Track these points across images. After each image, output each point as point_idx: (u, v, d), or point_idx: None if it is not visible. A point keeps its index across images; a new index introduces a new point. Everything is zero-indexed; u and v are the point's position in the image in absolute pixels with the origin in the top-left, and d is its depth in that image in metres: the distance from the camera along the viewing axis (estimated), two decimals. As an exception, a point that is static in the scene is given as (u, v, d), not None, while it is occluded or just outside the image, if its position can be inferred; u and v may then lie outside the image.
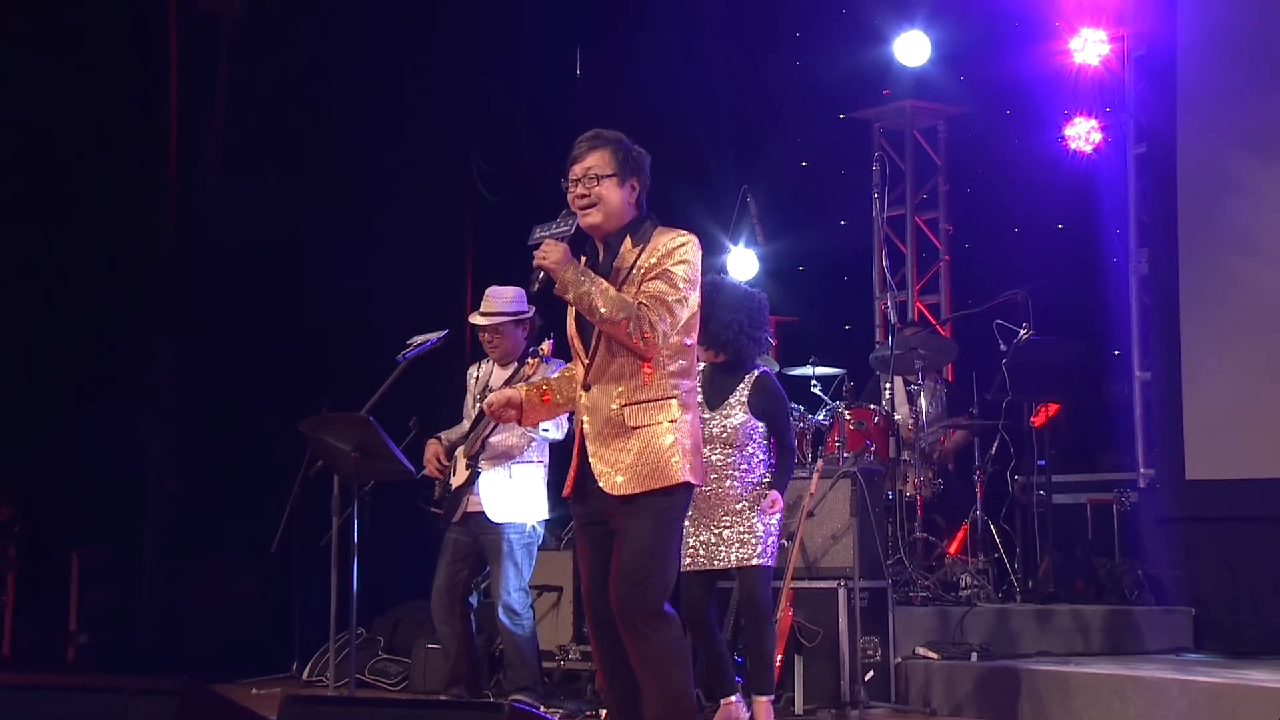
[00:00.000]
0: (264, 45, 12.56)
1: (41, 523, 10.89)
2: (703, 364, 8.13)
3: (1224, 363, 10.85)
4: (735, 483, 7.98)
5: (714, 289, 8.03)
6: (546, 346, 8.56)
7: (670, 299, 5.78)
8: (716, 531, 7.97)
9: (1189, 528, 10.89)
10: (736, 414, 8.02)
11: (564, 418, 8.59)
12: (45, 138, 11.30)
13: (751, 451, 8.04)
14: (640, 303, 5.73)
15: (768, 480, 8.04)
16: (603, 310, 5.69)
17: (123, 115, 12.00)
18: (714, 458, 7.95)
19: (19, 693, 5.15)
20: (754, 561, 7.91)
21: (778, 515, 8.07)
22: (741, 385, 8.07)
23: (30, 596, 11.55)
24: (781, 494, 8.04)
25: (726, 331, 8.00)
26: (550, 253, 5.73)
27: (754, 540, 7.93)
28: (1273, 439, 10.41)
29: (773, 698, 8.07)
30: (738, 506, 7.96)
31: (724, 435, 8.00)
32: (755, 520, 7.95)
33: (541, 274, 5.79)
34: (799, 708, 8.86)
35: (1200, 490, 10.79)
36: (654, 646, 5.76)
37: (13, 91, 11.22)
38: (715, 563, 7.98)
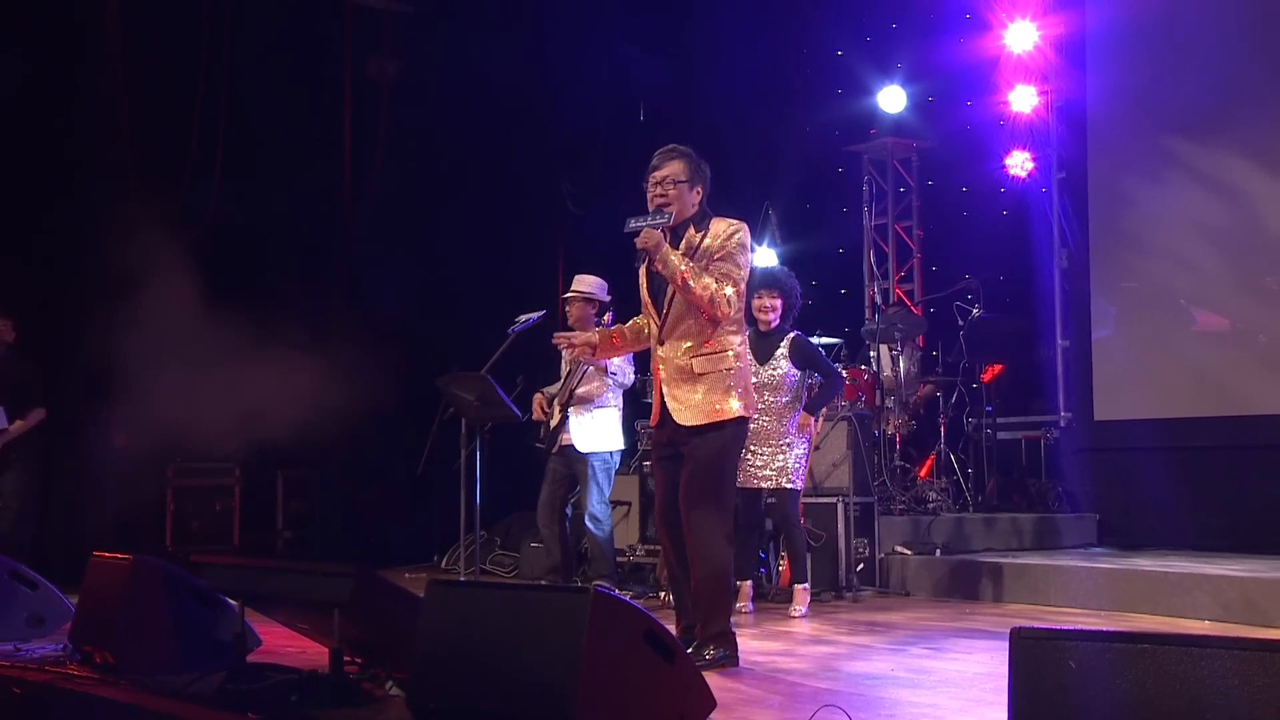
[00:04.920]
0: (412, 101, 12.76)
1: (257, 452, 11.02)
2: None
3: (1123, 334, 10.87)
4: (779, 421, 8.03)
5: (774, 276, 8.21)
6: (607, 318, 8.62)
7: (736, 276, 5.79)
8: (764, 459, 8.03)
9: (1096, 456, 10.94)
10: (782, 365, 8.04)
11: (630, 372, 8.78)
12: (277, 159, 11.53)
13: (795, 396, 8.09)
14: (716, 278, 5.73)
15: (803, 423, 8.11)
16: (692, 285, 5.68)
17: (317, 149, 12.27)
18: (763, 401, 7.99)
19: (245, 570, 5.34)
20: (787, 485, 8.02)
21: (809, 435, 8.14)
22: (783, 344, 8.08)
23: (250, 504, 11.68)
24: (815, 416, 8.10)
25: (794, 307, 8.18)
26: (650, 238, 5.70)
27: (788, 467, 8.02)
28: (1158, 390, 10.49)
29: (806, 585, 8.18)
30: (782, 441, 8.03)
31: (772, 383, 8.03)
32: (791, 452, 8.02)
33: (644, 254, 5.80)
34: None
35: (1105, 428, 10.84)
36: (715, 562, 5.79)
37: (263, 131, 11.53)
38: (758, 483, 8.06)
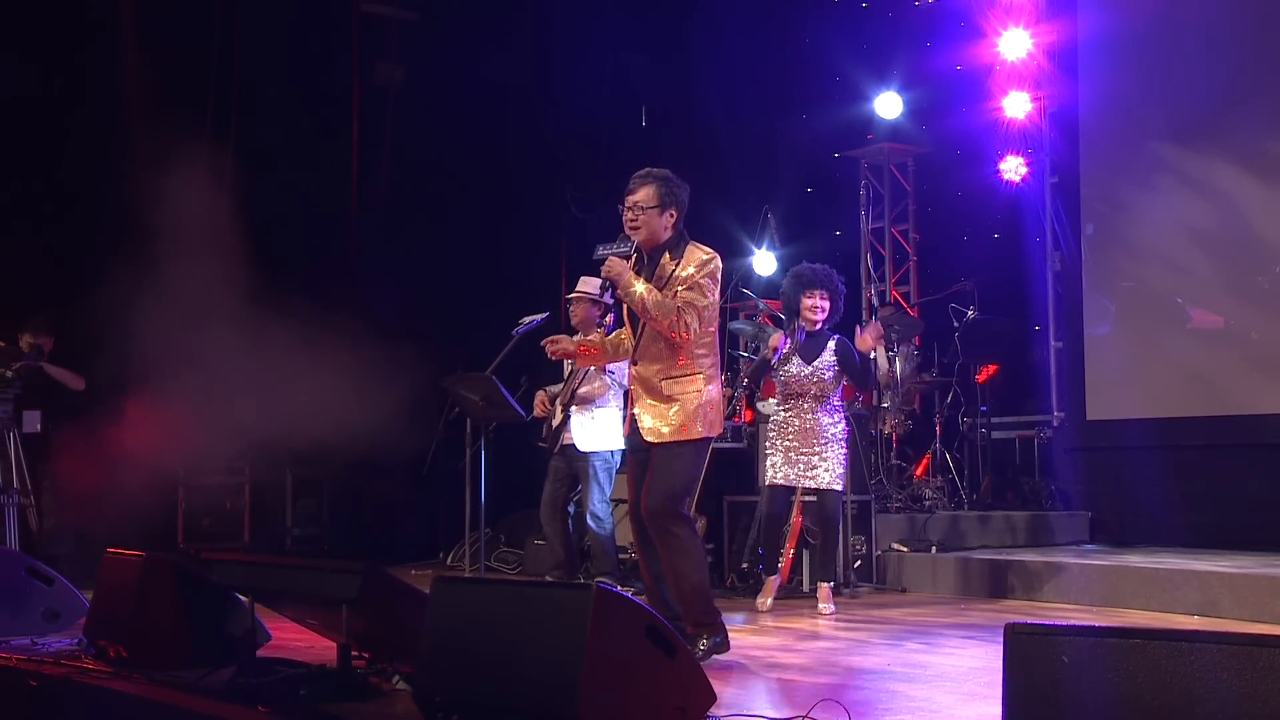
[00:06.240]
0: (418, 106, 12.79)
1: (266, 452, 11.05)
2: (803, 328, 8.16)
3: (1114, 335, 10.87)
4: (822, 418, 8.03)
5: (827, 276, 8.18)
6: (609, 319, 8.61)
7: (700, 304, 5.84)
8: (806, 458, 7.99)
9: (1088, 455, 10.92)
10: (829, 366, 8.05)
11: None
12: (285, 164, 11.55)
13: (833, 395, 8.09)
14: (678, 306, 5.79)
15: (841, 425, 8.11)
16: (651, 311, 5.78)
17: (325, 154, 12.30)
18: (807, 400, 8.04)
19: (255, 567, 5.36)
20: (834, 486, 8.01)
21: (848, 433, 8.23)
22: (830, 345, 8.07)
23: (260, 502, 11.68)
24: (863, 384, 8.31)
25: (838, 307, 8.16)
26: (614, 267, 5.81)
27: (833, 469, 8.00)
28: (1148, 390, 10.48)
29: (833, 584, 8.15)
30: (824, 438, 8.00)
31: (818, 382, 8.03)
32: (835, 452, 8.00)
33: (609, 282, 5.92)
34: (806, 587, 8.89)
35: (1096, 427, 10.82)
36: (677, 541, 5.84)
37: (272, 136, 11.56)
38: (801, 482, 8.03)
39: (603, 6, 13.17)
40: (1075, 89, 11.31)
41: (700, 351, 5.96)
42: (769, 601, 8.15)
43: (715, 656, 5.85)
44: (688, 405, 5.90)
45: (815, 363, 8.09)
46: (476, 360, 8.99)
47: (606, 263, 5.86)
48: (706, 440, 5.99)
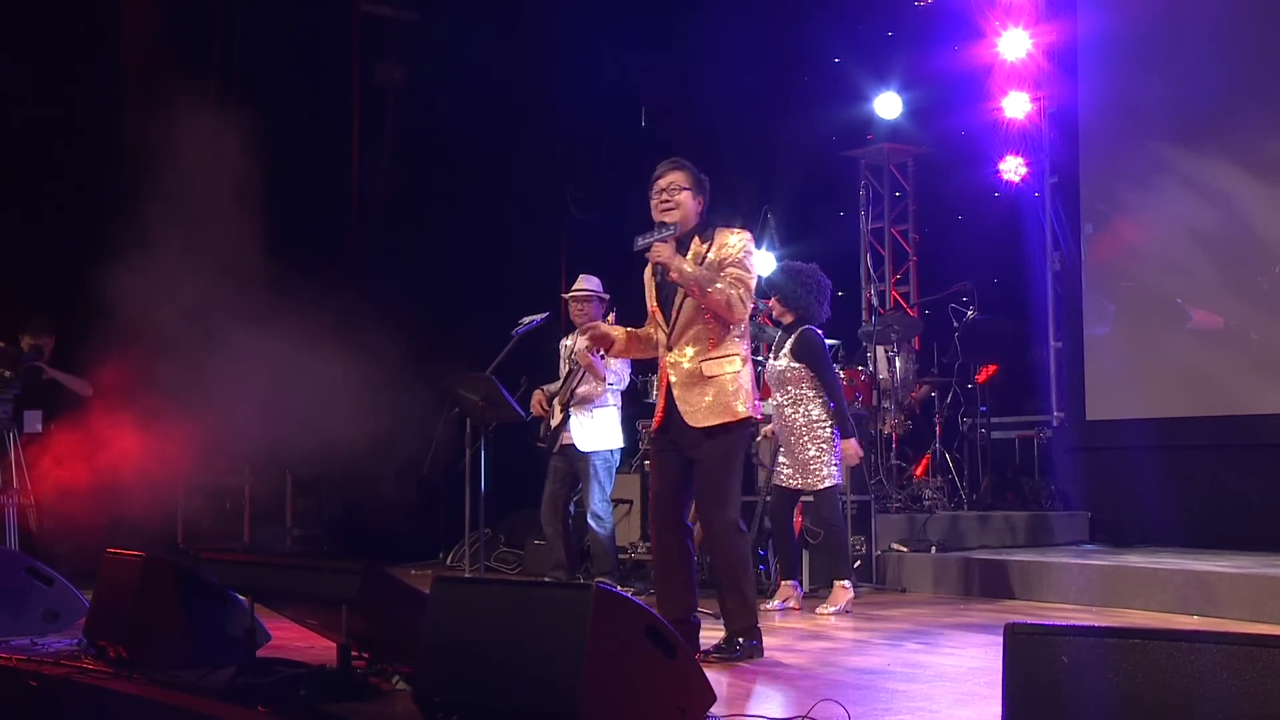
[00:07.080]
0: (418, 106, 12.79)
1: (266, 452, 11.05)
2: (779, 325, 8.18)
3: (1114, 335, 10.88)
4: (795, 416, 7.91)
5: (792, 270, 8.13)
6: (611, 317, 8.58)
7: (748, 280, 5.88)
8: (793, 457, 7.94)
9: (1088, 455, 10.93)
10: (784, 360, 7.96)
11: (627, 374, 8.79)
12: (285, 164, 11.54)
13: (801, 391, 7.91)
14: (729, 284, 5.79)
15: (823, 418, 7.88)
16: (709, 289, 5.77)
17: (326, 154, 12.29)
18: (780, 397, 7.99)
19: (255, 567, 5.36)
20: (820, 485, 7.90)
21: (852, 458, 7.94)
22: (792, 338, 7.98)
23: (260, 502, 11.69)
24: (848, 436, 7.86)
25: (796, 300, 8.02)
26: (663, 251, 5.81)
27: (818, 467, 7.87)
28: (1148, 390, 10.48)
29: (848, 581, 7.99)
30: (802, 438, 7.89)
31: (778, 378, 7.97)
32: (809, 451, 7.87)
33: (659, 267, 5.88)
34: (805, 588, 8.80)
35: (1096, 428, 10.83)
36: (731, 552, 5.86)
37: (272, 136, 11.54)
38: (791, 483, 7.97)
39: (603, 6, 13.17)
40: (1075, 89, 11.33)
41: (735, 332, 5.97)
42: (776, 605, 8.07)
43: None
44: (726, 386, 5.89)
45: (778, 358, 8.06)
46: (476, 360, 8.98)
47: (653, 249, 5.86)
48: (748, 421, 5.98)
